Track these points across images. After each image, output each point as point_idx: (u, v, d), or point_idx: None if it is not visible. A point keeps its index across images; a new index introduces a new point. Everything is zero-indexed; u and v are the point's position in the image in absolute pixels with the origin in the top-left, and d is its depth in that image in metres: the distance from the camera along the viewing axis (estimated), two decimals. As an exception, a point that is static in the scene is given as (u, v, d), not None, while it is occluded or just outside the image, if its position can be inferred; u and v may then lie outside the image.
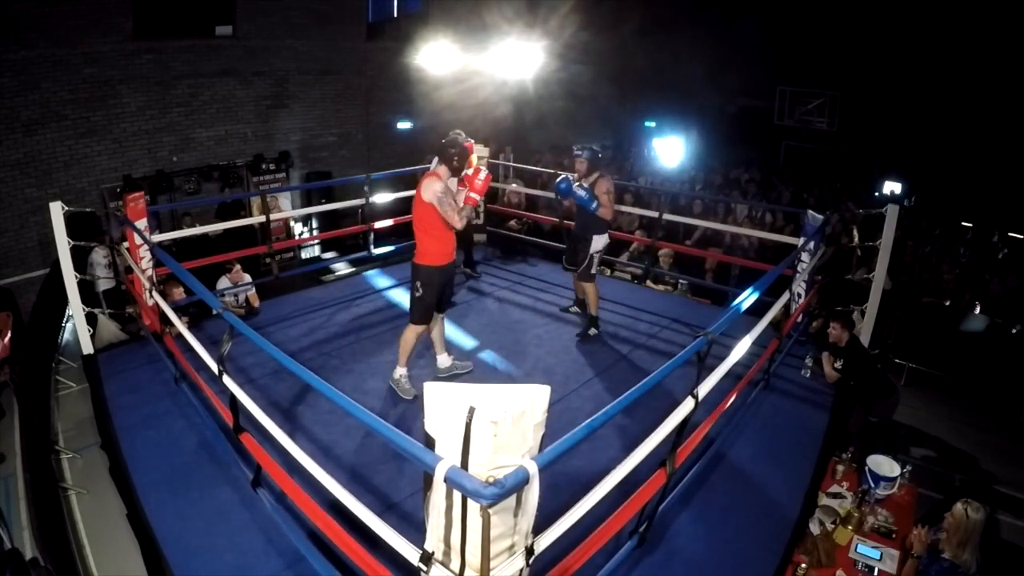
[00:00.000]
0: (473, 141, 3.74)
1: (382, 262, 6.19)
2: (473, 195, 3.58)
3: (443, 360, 4.10)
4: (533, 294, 5.69)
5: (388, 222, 6.07)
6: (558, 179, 4.59)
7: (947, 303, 6.60)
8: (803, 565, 2.75)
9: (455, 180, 3.64)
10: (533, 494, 1.73)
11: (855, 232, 5.56)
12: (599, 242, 4.56)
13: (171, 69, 8.11)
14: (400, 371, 3.87)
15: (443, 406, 1.71)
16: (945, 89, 10.19)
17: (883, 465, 3.27)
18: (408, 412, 3.65)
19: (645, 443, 2.27)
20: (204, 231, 6.33)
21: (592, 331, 4.75)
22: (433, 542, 1.81)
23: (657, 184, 9.94)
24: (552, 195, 6.54)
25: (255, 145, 9.22)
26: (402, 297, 5.50)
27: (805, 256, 4.51)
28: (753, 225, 7.75)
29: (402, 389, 3.84)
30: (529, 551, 1.81)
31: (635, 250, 6.66)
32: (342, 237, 8.55)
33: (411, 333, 3.80)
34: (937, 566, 2.69)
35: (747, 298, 3.06)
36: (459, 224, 3.56)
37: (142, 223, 4.37)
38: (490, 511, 1.54)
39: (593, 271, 4.65)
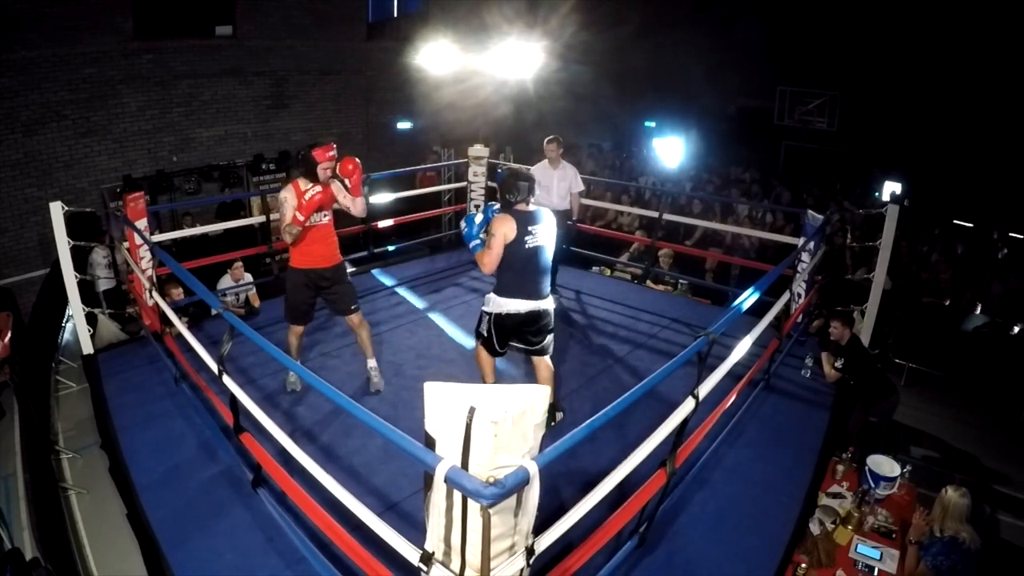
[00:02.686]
0: (331, 144, 3.53)
1: (382, 262, 6.19)
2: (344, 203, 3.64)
3: (371, 363, 3.93)
4: (533, 294, 5.69)
5: (388, 222, 6.07)
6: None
7: (947, 303, 6.60)
8: (803, 565, 2.75)
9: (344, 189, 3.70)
10: (533, 494, 1.73)
11: (849, 231, 5.58)
12: (490, 303, 3.30)
13: (171, 69, 8.11)
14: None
15: (443, 406, 1.71)
16: (945, 89, 10.18)
17: (883, 465, 3.27)
18: (408, 412, 3.65)
19: (645, 443, 2.27)
20: (204, 231, 6.33)
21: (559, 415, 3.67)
22: (433, 542, 1.81)
23: (659, 186, 9.95)
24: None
25: (255, 145, 9.22)
26: (402, 297, 5.50)
27: (805, 256, 4.51)
28: (753, 225, 7.75)
29: (289, 382, 3.89)
30: (529, 551, 1.81)
31: (635, 250, 6.66)
32: (342, 237, 8.53)
33: (290, 333, 3.87)
34: (939, 543, 2.74)
35: (748, 298, 3.06)
36: (284, 236, 3.50)
37: (142, 223, 4.37)
38: (490, 511, 1.54)
39: (483, 331, 3.38)
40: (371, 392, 3.89)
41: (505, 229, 3.13)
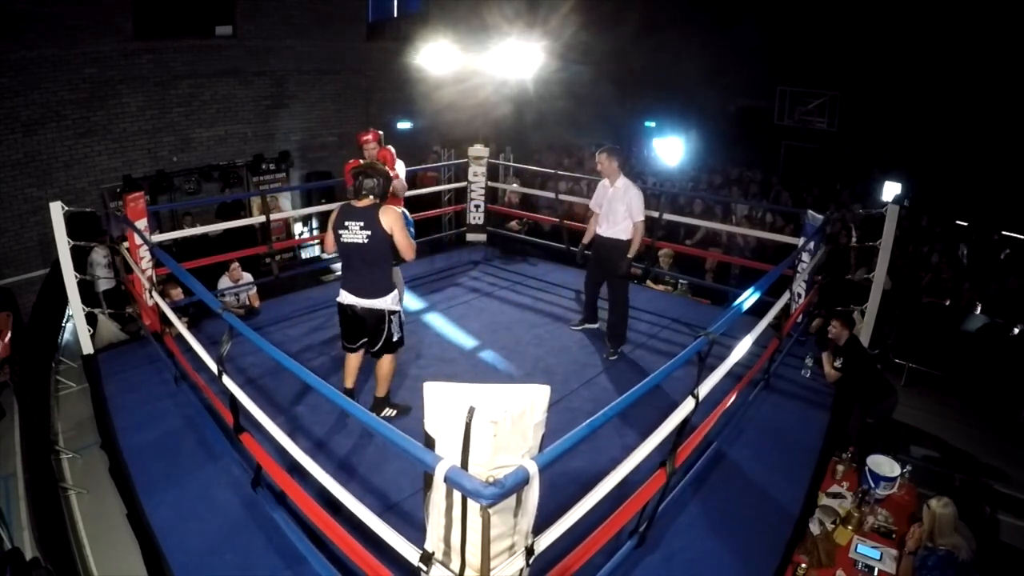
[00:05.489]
0: (369, 130, 4.55)
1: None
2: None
3: None
4: (533, 294, 5.69)
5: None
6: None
7: (947, 303, 6.59)
8: (803, 565, 2.75)
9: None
10: (533, 494, 1.73)
11: (854, 231, 5.57)
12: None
13: (171, 69, 8.11)
14: None
15: (443, 406, 1.71)
16: (945, 89, 10.18)
17: (883, 465, 3.27)
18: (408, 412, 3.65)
19: (645, 443, 2.27)
20: (204, 231, 6.33)
21: (388, 411, 3.61)
22: (433, 542, 1.81)
23: (659, 185, 9.95)
24: (552, 195, 6.59)
25: (255, 145, 9.22)
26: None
27: (805, 256, 4.51)
28: (751, 225, 7.74)
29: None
30: (529, 551, 1.81)
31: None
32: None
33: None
34: (934, 557, 2.74)
35: (748, 298, 3.06)
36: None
37: (142, 223, 4.37)
38: (490, 511, 1.54)
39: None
40: None
41: (332, 216, 3.30)
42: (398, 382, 4.03)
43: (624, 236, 4.32)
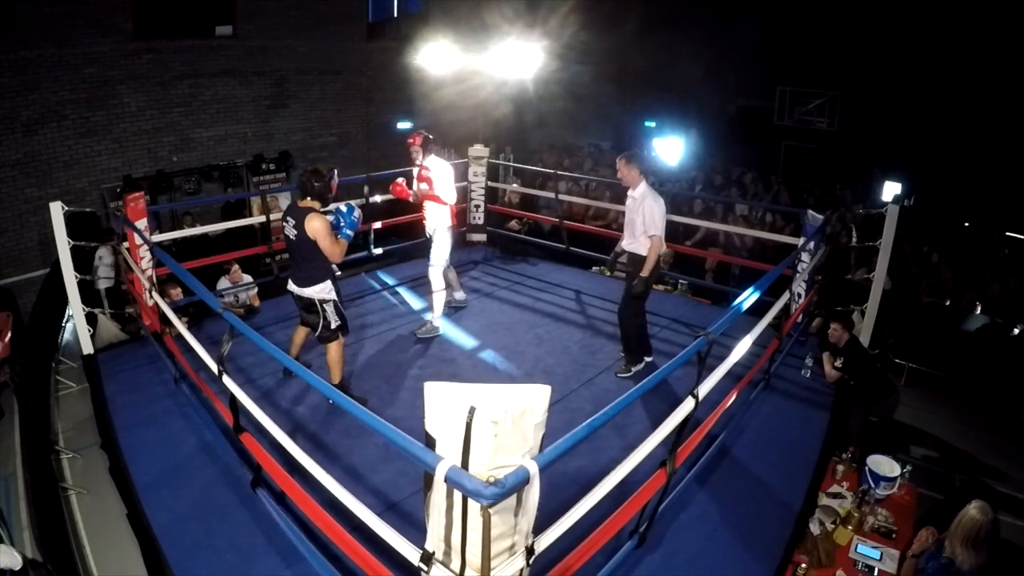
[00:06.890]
0: (412, 134, 4.69)
1: (382, 262, 6.19)
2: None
3: (430, 316, 4.77)
4: (533, 294, 5.69)
5: (388, 222, 6.07)
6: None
7: (947, 303, 6.60)
8: (803, 565, 2.75)
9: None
10: (533, 494, 1.73)
11: (854, 232, 5.57)
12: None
13: (171, 69, 8.11)
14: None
15: (444, 406, 1.71)
16: (946, 89, 10.17)
17: (883, 465, 3.27)
18: (408, 412, 3.65)
19: (645, 443, 2.27)
20: (204, 231, 6.33)
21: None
22: (433, 542, 1.81)
23: (658, 185, 9.94)
24: (552, 195, 6.59)
25: (255, 145, 9.21)
26: (402, 296, 5.50)
27: (805, 256, 4.51)
28: (748, 224, 7.73)
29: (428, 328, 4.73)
30: (529, 551, 1.81)
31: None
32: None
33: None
34: (934, 563, 2.70)
35: (748, 298, 3.06)
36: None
37: (142, 223, 4.37)
38: (490, 511, 1.54)
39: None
40: (417, 333, 4.65)
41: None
42: (400, 382, 4.04)
43: (643, 251, 3.94)
